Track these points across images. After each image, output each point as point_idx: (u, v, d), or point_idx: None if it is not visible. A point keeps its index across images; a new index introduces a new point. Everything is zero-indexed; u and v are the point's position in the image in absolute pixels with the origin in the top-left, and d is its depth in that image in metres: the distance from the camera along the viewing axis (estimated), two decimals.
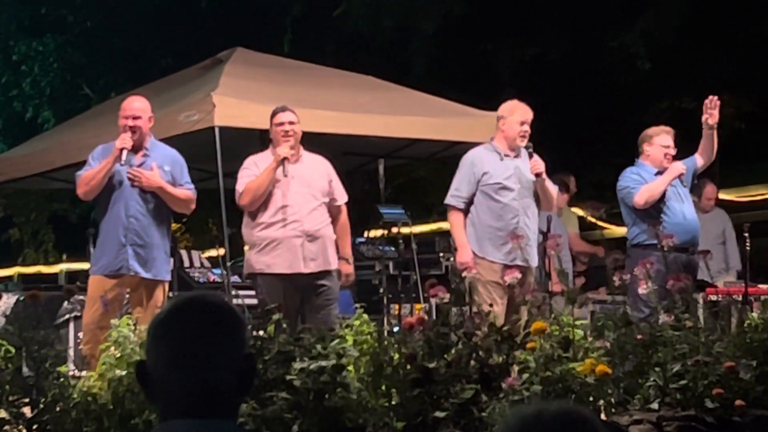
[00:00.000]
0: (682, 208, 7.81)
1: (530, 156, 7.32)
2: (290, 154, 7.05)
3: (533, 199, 7.32)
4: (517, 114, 7.33)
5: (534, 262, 7.28)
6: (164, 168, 7.05)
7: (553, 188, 7.43)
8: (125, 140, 6.91)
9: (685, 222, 7.70)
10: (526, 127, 7.33)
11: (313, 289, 7.03)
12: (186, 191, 7.13)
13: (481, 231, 7.20)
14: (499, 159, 7.29)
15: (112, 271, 6.95)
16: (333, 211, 7.33)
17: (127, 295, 7.05)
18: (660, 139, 7.95)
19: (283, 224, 7.04)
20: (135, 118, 7.01)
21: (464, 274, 6.27)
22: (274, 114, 7.23)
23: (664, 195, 7.83)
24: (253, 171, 7.14)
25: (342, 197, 7.41)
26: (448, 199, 7.32)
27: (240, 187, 7.13)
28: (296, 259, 7.01)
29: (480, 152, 7.39)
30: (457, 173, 7.38)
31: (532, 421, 1.87)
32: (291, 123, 7.15)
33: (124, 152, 6.90)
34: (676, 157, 8.01)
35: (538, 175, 7.25)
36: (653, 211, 7.81)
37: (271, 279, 7.02)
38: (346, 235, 7.41)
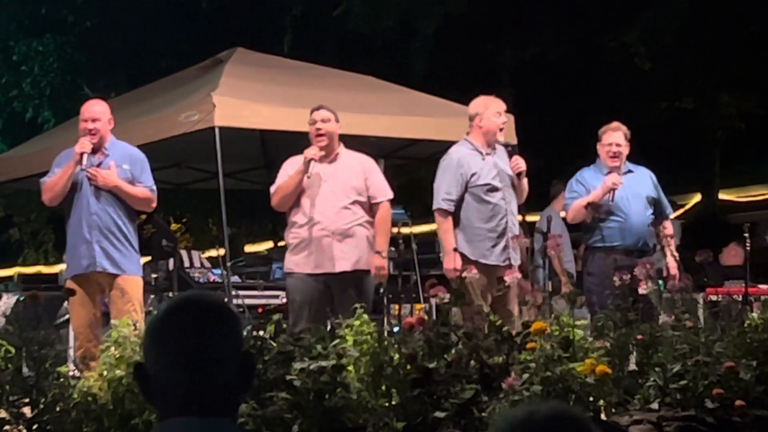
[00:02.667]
0: (629, 212, 7.57)
1: (510, 155, 7.22)
2: (316, 155, 6.98)
3: (514, 195, 7.23)
4: (492, 107, 7.17)
5: (518, 260, 7.18)
6: (123, 166, 7.08)
7: (526, 186, 7.34)
8: (84, 145, 6.96)
9: (631, 225, 7.47)
10: (504, 118, 7.22)
11: (342, 290, 6.97)
12: (144, 189, 7.13)
13: (471, 234, 7.02)
14: (481, 158, 7.11)
15: (81, 270, 6.97)
16: (373, 209, 7.19)
17: (106, 298, 7.08)
18: (604, 138, 7.75)
19: (312, 224, 6.99)
20: (94, 120, 7.05)
21: (465, 274, 6.24)
22: (310, 112, 7.19)
23: (612, 198, 7.65)
24: (287, 171, 7.11)
25: (382, 194, 7.20)
26: (440, 204, 7.06)
27: (273, 187, 7.15)
28: (324, 259, 6.96)
29: (463, 152, 7.15)
30: (442, 175, 7.13)
31: (523, 423, 1.86)
32: (323, 121, 7.08)
33: (85, 156, 6.95)
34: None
35: (519, 174, 7.18)
36: (602, 215, 7.62)
37: (301, 278, 7.00)
38: (382, 230, 7.21)
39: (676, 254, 7.60)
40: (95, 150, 7.04)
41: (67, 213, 7.12)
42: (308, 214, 7.03)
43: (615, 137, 7.72)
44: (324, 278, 6.96)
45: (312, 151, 6.99)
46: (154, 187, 7.21)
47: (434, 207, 7.14)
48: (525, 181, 7.24)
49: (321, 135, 7.06)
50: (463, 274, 6.19)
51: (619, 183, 7.54)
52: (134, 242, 7.11)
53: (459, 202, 7.07)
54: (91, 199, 6.99)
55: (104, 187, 7.00)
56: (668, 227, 7.86)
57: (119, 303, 6.85)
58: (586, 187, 7.66)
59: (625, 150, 7.75)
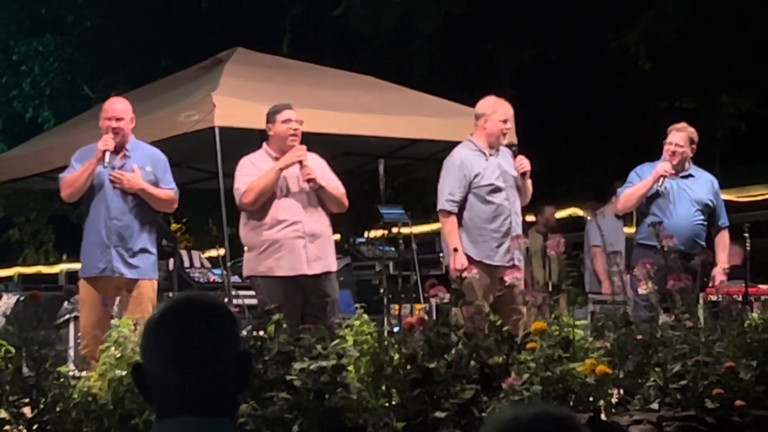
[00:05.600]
0: (675, 210, 7.65)
1: (514, 155, 7.23)
2: (303, 157, 6.92)
3: (518, 196, 7.25)
4: (499, 112, 7.18)
5: (521, 260, 7.16)
6: (146, 168, 7.01)
7: (530, 187, 7.36)
8: (107, 142, 6.90)
9: (673, 227, 7.43)
10: (509, 125, 7.23)
11: (315, 292, 6.95)
12: (168, 191, 7.08)
13: (476, 234, 7.03)
14: (484, 159, 7.13)
15: (97, 273, 6.93)
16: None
17: (118, 297, 7.05)
18: (669, 137, 7.81)
19: (285, 226, 6.92)
20: (117, 119, 7.00)
21: (465, 274, 6.24)
22: (278, 111, 7.05)
23: (657, 195, 7.71)
24: (252, 171, 6.99)
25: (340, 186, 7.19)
26: (444, 205, 7.07)
27: (242, 185, 6.96)
28: (299, 261, 6.90)
29: (466, 153, 7.17)
30: (445, 176, 7.15)
31: (509, 425, 1.85)
32: (298, 121, 7.02)
33: (107, 154, 6.88)
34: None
35: (524, 174, 7.20)
36: (649, 211, 7.73)
37: (274, 282, 6.90)
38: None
39: (726, 266, 7.70)
40: (117, 150, 6.98)
41: (85, 211, 7.06)
42: (279, 216, 6.94)
43: (677, 137, 7.80)
44: (297, 281, 6.91)
45: (298, 153, 6.91)
46: (176, 188, 7.17)
47: (438, 208, 7.14)
48: (529, 181, 7.26)
49: (296, 135, 6.99)
50: (463, 274, 6.19)
51: (670, 171, 7.63)
52: (152, 245, 7.05)
53: (463, 203, 7.07)
54: (111, 202, 6.92)
55: (129, 190, 6.94)
56: (723, 237, 7.89)
57: (132, 305, 6.81)
58: (642, 178, 7.76)
59: (687, 152, 7.78)
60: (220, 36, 14.52)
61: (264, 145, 7.13)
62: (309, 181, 6.93)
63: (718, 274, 7.71)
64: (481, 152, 7.15)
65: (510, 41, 15.50)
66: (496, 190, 7.08)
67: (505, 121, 7.18)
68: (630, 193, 7.73)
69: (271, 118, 7.06)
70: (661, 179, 7.64)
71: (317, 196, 7.04)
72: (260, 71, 10.16)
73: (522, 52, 15.53)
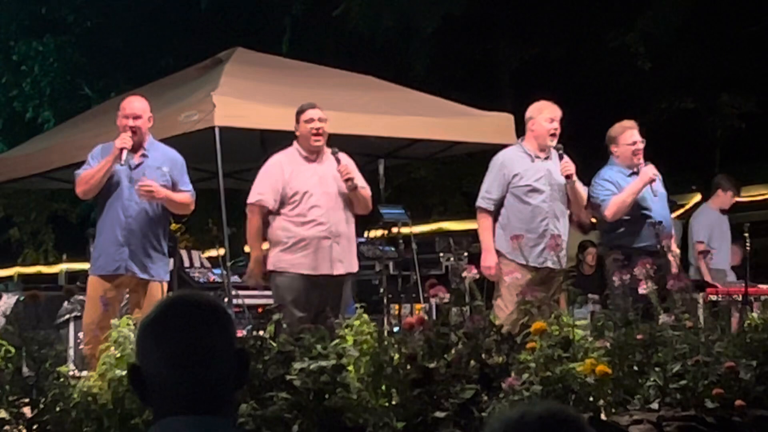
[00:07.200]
0: (652, 212, 7.56)
1: (561, 157, 7.25)
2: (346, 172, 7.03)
3: (564, 202, 7.27)
4: (545, 112, 7.30)
5: (557, 264, 7.13)
6: (162, 168, 7.00)
7: (583, 190, 7.34)
8: (125, 140, 6.88)
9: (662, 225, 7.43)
10: (556, 125, 7.28)
11: (332, 293, 6.94)
12: (185, 195, 7.08)
13: (511, 233, 7.08)
14: (530, 161, 7.23)
15: (110, 271, 6.93)
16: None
17: (127, 296, 7.04)
18: (624, 138, 7.65)
19: (313, 225, 6.95)
20: (135, 117, 6.98)
21: (465, 275, 6.24)
22: (301, 110, 7.10)
23: (654, 193, 7.64)
24: (275, 175, 7.00)
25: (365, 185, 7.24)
26: (479, 202, 7.25)
27: (257, 188, 7.08)
28: (324, 260, 6.93)
29: (510, 153, 7.32)
30: (487, 175, 7.31)
31: (516, 423, 1.86)
32: (321, 120, 7.04)
33: (124, 152, 6.87)
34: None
35: (568, 177, 7.20)
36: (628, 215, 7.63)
37: (294, 278, 6.92)
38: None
39: (677, 252, 7.62)
40: (134, 149, 6.97)
41: (101, 211, 7.06)
42: (307, 214, 6.97)
43: (636, 135, 7.70)
44: (318, 280, 6.92)
45: (345, 157, 7.06)
46: (193, 190, 7.17)
47: (475, 204, 7.31)
48: (581, 188, 7.28)
49: (319, 135, 7.03)
50: (463, 275, 6.20)
51: (657, 175, 7.54)
52: (164, 246, 7.06)
53: (501, 202, 7.19)
54: (127, 201, 6.92)
55: (158, 201, 6.92)
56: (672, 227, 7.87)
57: (141, 306, 6.80)
58: (615, 185, 7.61)
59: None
60: (220, 36, 14.52)
61: (294, 143, 7.19)
62: (347, 180, 6.97)
63: (672, 259, 7.54)
64: (528, 154, 7.25)
65: (510, 41, 15.50)
66: (535, 191, 7.15)
67: (551, 121, 7.23)
68: (621, 200, 7.48)
69: (296, 118, 7.14)
70: (652, 185, 7.52)
71: (346, 196, 7.06)
72: (260, 71, 10.16)
73: (522, 52, 15.52)
